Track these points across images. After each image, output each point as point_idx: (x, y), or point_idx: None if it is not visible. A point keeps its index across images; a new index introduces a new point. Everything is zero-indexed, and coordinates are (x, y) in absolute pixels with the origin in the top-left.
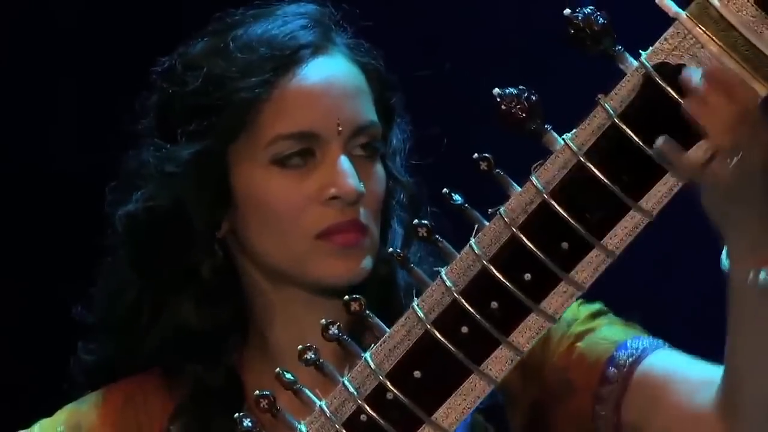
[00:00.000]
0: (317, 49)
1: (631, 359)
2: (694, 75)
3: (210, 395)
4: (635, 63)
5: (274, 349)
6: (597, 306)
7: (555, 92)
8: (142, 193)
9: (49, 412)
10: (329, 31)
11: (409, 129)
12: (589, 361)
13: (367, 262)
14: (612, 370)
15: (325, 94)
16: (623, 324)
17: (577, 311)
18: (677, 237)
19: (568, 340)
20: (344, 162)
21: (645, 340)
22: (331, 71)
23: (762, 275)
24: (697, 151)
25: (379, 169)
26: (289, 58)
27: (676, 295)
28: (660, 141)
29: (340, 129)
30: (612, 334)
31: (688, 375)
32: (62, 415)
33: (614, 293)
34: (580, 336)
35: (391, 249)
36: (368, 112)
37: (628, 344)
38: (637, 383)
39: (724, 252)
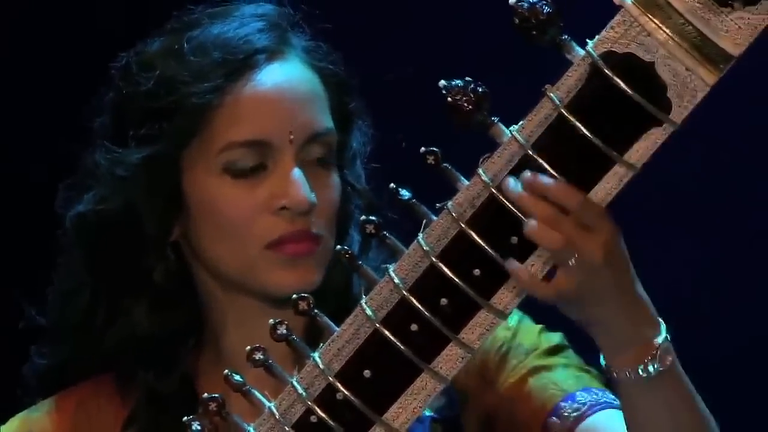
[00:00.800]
0: (272, 54)
1: (575, 414)
2: (510, 184)
3: (163, 402)
4: (582, 52)
5: (228, 355)
6: (558, 339)
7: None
8: (93, 194)
9: (1, 420)
10: (286, 33)
11: (369, 132)
12: (536, 404)
13: (317, 274)
14: (554, 420)
15: (278, 101)
16: (579, 368)
17: (538, 340)
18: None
19: (522, 369)
20: (296, 172)
21: (594, 394)
22: (285, 77)
23: (640, 371)
24: (536, 262)
25: (333, 177)
26: (242, 62)
27: None
28: (513, 268)
29: (292, 137)
30: (563, 379)
31: None
32: (13, 424)
33: None
34: (534, 370)
35: (338, 247)
36: (323, 119)
37: (576, 396)
38: None
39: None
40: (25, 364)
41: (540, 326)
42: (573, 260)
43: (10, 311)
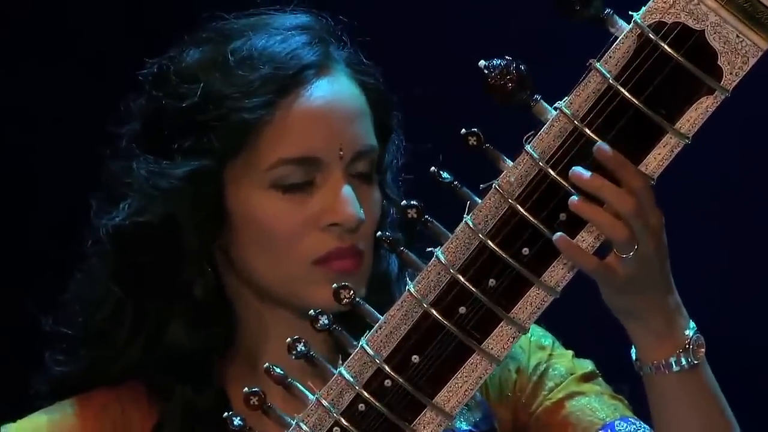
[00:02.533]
0: (320, 69)
1: None
2: (584, 173)
3: (198, 416)
4: (626, 26)
5: (263, 369)
6: (590, 367)
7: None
8: (130, 205)
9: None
10: (330, 47)
11: (402, 145)
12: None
13: (362, 290)
14: None
15: (328, 118)
16: (612, 396)
17: (573, 365)
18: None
19: (558, 393)
20: (347, 189)
21: (631, 424)
22: (334, 94)
23: (672, 363)
24: (587, 238)
25: (376, 193)
26: (292, 78)
27: None
28: (557, 237)
29: (342, 153)
30: (600, 407)
31: None
32: (32, 422)
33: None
34: (570, 395)
35: (379, 233)
36: (368, 136)
37: (615, 426)
38: None
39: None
40: (34, 370)
41: (571, 352)
42: (629, 251)
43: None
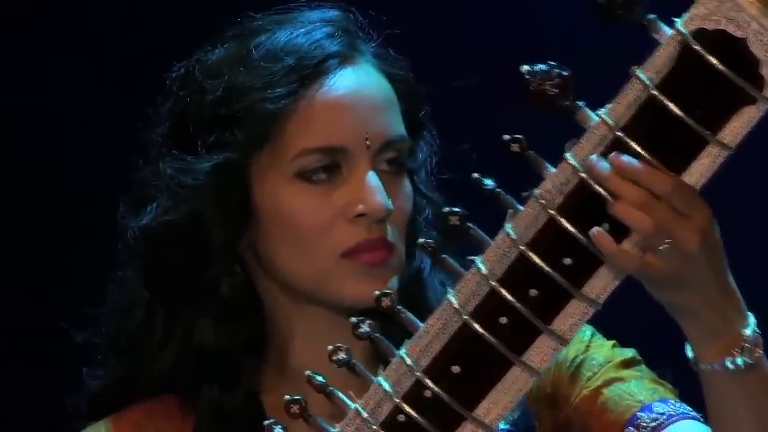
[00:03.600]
0: (344, 59)
1: (653, 424)
2: (597, 163)
3: (228, 417)
4: (670, 31)
5: (295, 369)
6: (631, 353)
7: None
8: (157, 205)
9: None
10: (356, 39)
11: (436, 143)
12: (611, 415)
13: (392, 282)
14: (632, 430)
15: (353, 107)
16: (653, 380)
17: (612, 353)
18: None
19: (596, 381)
20: (373, 178)
21: (671, 405)
22: (359, 82)
23: (727, 363)
24: (629, 247)
25: (406, 185)
26: (315, 68)
27: None
28: (593, 231)
29: (368, 143)
30: (639, 390)
31: None
32: None
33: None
34: (608, 382)
35: (420, 240)
36: (397, 126)
37: (653, 407)
38: None
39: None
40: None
41: (613, 341)
42: (665, 245)
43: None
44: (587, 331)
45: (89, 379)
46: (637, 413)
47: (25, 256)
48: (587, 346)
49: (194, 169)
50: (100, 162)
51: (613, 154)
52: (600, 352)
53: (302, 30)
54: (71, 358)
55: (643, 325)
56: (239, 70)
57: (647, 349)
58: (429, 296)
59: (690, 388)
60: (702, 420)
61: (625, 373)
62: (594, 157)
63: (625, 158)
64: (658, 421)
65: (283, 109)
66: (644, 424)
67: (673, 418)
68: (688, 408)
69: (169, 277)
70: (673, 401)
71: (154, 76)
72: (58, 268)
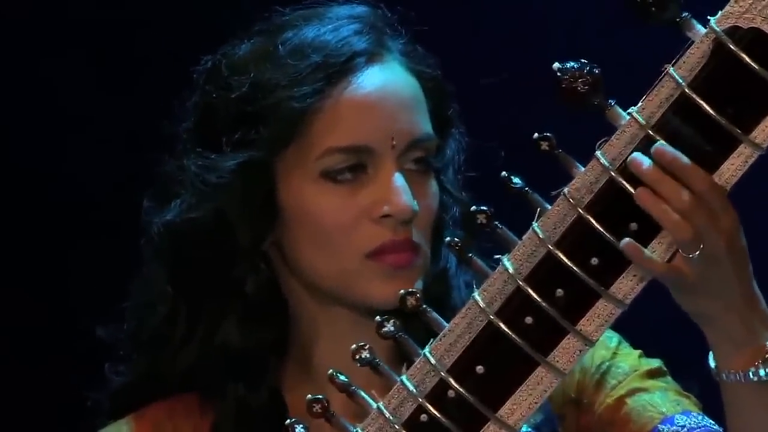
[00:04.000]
0: (372, 56)
1: None
2: (644, 161)
3: (252, 416)
4: (703, 30)
5: (318, 368)
6: (657, 364)
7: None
8: (182, 201)
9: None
10: (383, 36)
11: (464, 140)
12: (633, 426)
13: (418, 284)
14: None
15: (379, 106)
16: (677, 393)
17: (638, 363)
18: None
19: (621, 390)
20: (399, 179)
21: (693, 418)
22: (386, 81)
23: (750, 374)
24: (657, 248)
25: (433, 184)
26: (342, 66)
27: None
28: (623, 242)
29: (395, 143)
30: (662, 402)
31: None
32: None
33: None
34: (633, 392)
35: (447, 238)
36: (424, 125)
37: (675, 420)
38: None
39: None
40: (88, 388)
41: (639, 351)
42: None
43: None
44: (614, 338)
45: (111, 375)
46: (659, 425)
47: (24, 255)
48: (614, 354)
49: (219, 167)
50: (99, 162)
51: (659, 144)
52: (626, 361)
53: (330, 27)
54: (74, 358)
55: (671, 336)
56: (266, 67)
57: (674, 360)
58: (454, 296)
59: (716, 402)
60: None
61: (649, 383)
62: (637, 154)
63: (671, 150)
64: None
65: (309, 107)
66: None
67: (693, 431)
68: (710, 421)
69: (193, 275)
70: (695, 414)
71: (155, 76)
72: (58, 268)
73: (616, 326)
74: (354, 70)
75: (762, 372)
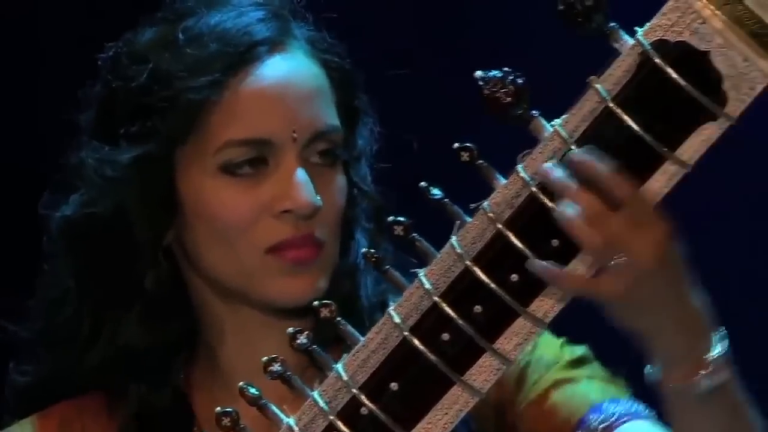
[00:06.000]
0: (274, 45)
1: (603, 425)
2: (553, 170)
3: (155, 417)
4: (631, 41)
5: (226, 369)
6: (581, 351)
7: (544, 78)
8: (80, 196)
9: None
10: (288, 23)
11: (376, 130)
12: (559, 419)
13: (321, 281)
14: None
15: (280, 98)
16: (604, 379)
17: (560, 353)
18: None
19: (545, 383)
20: (300, 173)
21: (622, 405)
22: (288, 71)
23: (692, 387)
24: (579, 266)
25: (339, 178)
26: (242, 56)
27: None
28: (538, 266)
29: (296, 136)
30: (589, 391)
31: None
32: None
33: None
34: (557, 383)
35: (364, 250)
36: (328, 116)
37: (603, 407)
38: None
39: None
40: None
41: (562, 339)
42: (616, 261)
43: None
44: None
45: (16, 375)
46: (587, 415)
47: None
48: (533, 347)
49: (115, 160)
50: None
51: (575, 150)
52: (547, 352)
53: (232, 14)
54: None
55: (595, 320)
56: (164, 57)
57: (600, 344)
58: (362, 294)
59: (645, 385)
60: (656, 419)
61: (574, 373)
62: (548, 164)
63: (589, 155)
64: (607, 422)
65: (207, 99)
66: (593, 427)
67: (624, 418)
68: (641, 407)
69: (94, 272)
70: (625, 400)
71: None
72: None
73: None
74: (254, 59)
75: (703, 385)
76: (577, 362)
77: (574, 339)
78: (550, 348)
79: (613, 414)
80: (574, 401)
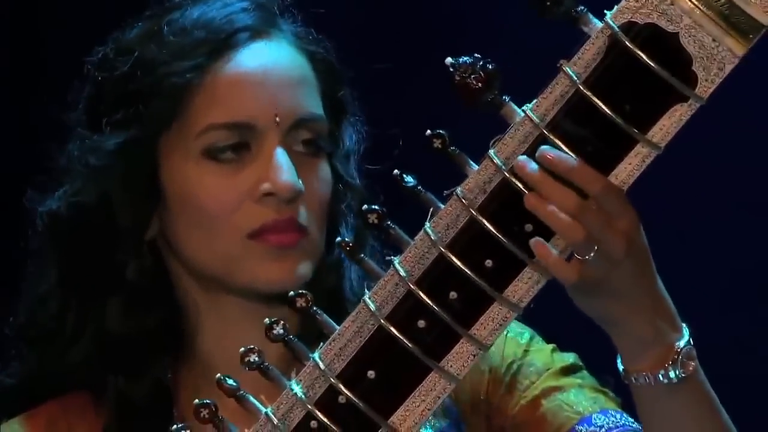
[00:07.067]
0: (257, 33)
1: None
2: (528, 164)
3: (137, 410)
4: (600, 24)
5: (207, 360)
6: (571, 359)
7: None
8: (67, 188)
9: None
10: (273, 16)
11: (364, 129)
12: (549, 429)
13: (304, 267)
14: None
15: (261, 82)
16: (594, 389)
17: (551, 359)
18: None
19: (535, 390)
20: (280, 155)
21: (611, 417)
22: (270, 57)
23: (660, 377)
24: (553, 251)
25: (323, 167)
26: (224, 42)
27: None
28: (533, 241)
29: (278, 120)
30: (579, 401)
31: None
32: None
33: None
34: (547, 392)
35: (338, 239)
36: (312, 105)
37: (593, 419)
38: None
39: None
40: None
41: (552, 345)
42: (593, 254)
43: None
44: (526, 333)
45: (2, 375)
46: (576, 426)
47: None
48: (525, 351)
49: (100, 147)
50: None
51: (542, 147)
52: (539, 358)
53: (217, 5)
54: None
55: (585, 326)
56: (150, 47)
57: (589, 352)
58: (346, 287)
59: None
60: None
61: (564, 381)
62: (523, 157)
63: (557, 153)
64: None
65: (189, 83)
66: None
67: (613, 431)
68: (630, 419)
69: (78, 262)
70: (613, 412)
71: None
72: None
73: (529, 319)
74: (236, 45)
75: (672, 374)
76: (568, 370)
77: (561, 347)
78: (542, 354)
79: (602, 427)
80: (564, 411)
